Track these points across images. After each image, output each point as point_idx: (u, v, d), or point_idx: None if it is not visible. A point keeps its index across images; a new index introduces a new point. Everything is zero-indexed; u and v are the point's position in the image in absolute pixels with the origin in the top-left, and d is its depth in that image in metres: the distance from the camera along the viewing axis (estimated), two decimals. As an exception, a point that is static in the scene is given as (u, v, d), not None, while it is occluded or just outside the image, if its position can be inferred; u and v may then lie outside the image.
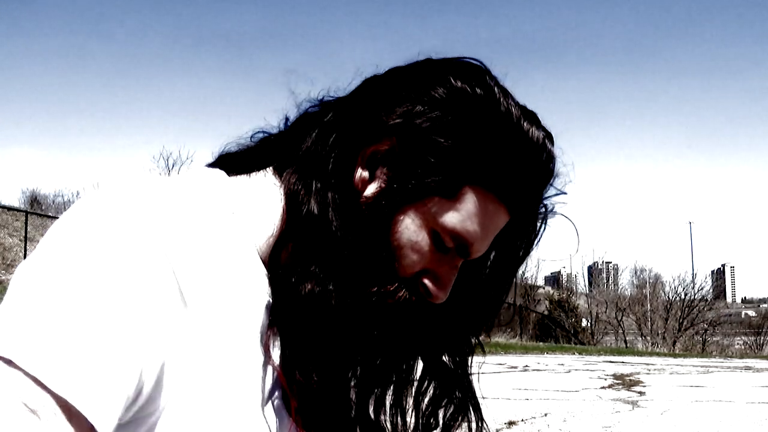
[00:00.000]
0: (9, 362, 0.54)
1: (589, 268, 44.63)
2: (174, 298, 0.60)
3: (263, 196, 0.74)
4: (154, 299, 0.59)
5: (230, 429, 0.64)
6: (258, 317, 0.68)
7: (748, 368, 11.62)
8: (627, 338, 27.70)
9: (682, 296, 27.42)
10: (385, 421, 0.88)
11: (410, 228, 0.73)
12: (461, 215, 0.73)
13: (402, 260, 0.74)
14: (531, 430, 4.04)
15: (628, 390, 6.77)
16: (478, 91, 0.73)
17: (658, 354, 19.44)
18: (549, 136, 0.77)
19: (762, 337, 28.42)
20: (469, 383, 0.88)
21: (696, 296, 27.48)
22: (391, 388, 0.88)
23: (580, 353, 16.99)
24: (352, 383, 0.81)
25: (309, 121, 0.77)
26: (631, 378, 8.48)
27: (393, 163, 0.73)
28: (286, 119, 0.80)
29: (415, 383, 0.89)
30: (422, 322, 0.83)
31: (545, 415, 4.69)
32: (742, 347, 28.01)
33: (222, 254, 0.66)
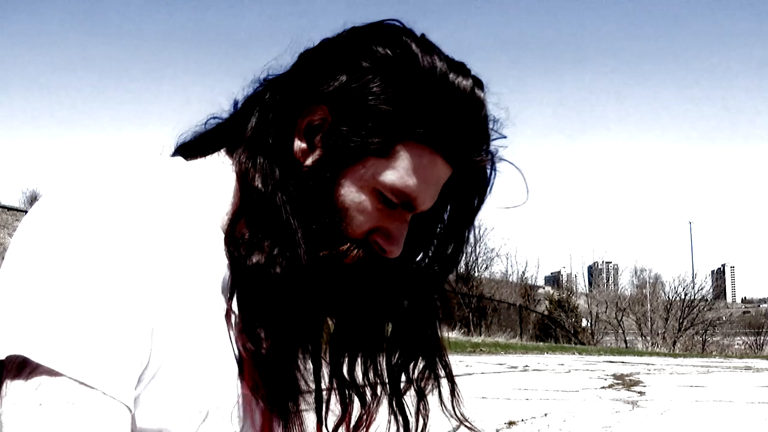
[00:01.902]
0: (27, 362, 0.60)
1: (589, 268, 44.60)
2: (155, 276, 0.66)
3: (220, 177, 0.79)
4: (139, 279, 0.64)
5: (198, 400, 0.69)
6: (221, 290, 0.73)
7: (748, 368, 11.61)
8: (627, 338, 27.67)
9: (682, 296, 27.38)
10: (363, 379, 0.92)
11: (352, 190, 0.77)
12: (398, 171, 0.77)
13: (350, 221, 0.78)
14: (531, 430, 4.04)
15: (628, 390, 6.76)
16: (398, 52, 0.76)
17: (658, 354, 19.43)
18: (478, 83, 0.80)
19: (762, 337, 28.40)
20: (438, 341, 0.91)
21: (696, 296, 27.45)
22: (366, 347, 0.92)
23: (580, 353, 16.99)
24: (314, 347, 0.84)
25: (253, 101, 0.81)
26: (631, 378, 8.48)
27: (327, 131, 0.77)
28: (236, 102, 0.84)
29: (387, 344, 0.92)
30: (385, 280, 0.87)
31: (545, 415, 4.69)
32: (742, 347, 27.98)
33: (191, 235, 0.71)
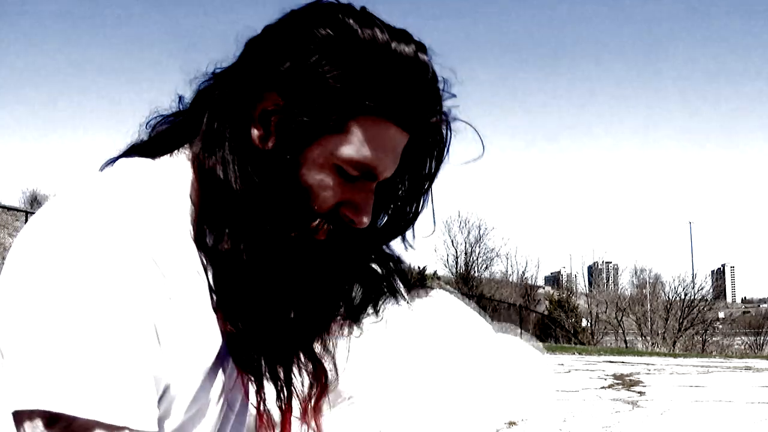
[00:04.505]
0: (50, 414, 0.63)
1: (589, 268, 44.61)
2: (159, 278, 0.70)
3: (186, 174, 0.81)
4: (149, 290, 0.68)
5: (192, 386, 0.73)
6: (204, 280, 0.77)
7: (748, 368, 11.61)
8: (627, 338, 27.67)
9: (682, 296, 27.37)
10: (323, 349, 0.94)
11: (313, 169, 0.80)
12: (354, 145, 0.80)
13: (315, 199, 0.81)
14: (531, 430, 4.03)
15: (628, 390, 6.76)
16: (338, 30, 0.79)
17: (658, 354, 19.41)
18: (421, 48, 0.82)
19: (762, 337, 28.39)
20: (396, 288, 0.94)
21: (696, 296, 27.44)
22: (326, 316, 0.93)
23: (580, 353, 16.97)
24: (288, 323, 0.87)
25: (205, 96, 0.83)
26: (631, 378, 8.47)
27: (281, 116, 0.80)
28: (180, 98, 0.86)
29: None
30: (353, 245, 0.91)
31: (545, 415, 4.69)
32: (742, 347, 27.98)
33: (176, 234, 0.75)
